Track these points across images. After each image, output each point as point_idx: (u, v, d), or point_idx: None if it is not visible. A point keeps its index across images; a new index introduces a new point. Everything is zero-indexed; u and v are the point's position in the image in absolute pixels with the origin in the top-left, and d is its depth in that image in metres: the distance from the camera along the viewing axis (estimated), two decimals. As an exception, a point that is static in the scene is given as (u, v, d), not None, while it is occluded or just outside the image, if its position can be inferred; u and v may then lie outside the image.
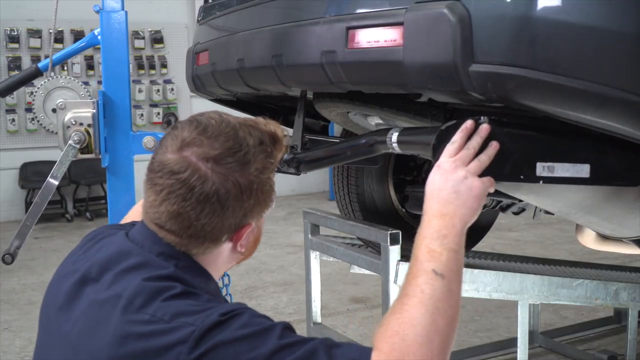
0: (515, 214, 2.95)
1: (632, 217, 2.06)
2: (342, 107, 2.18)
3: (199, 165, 1.12)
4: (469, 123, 1.37)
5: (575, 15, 1.37)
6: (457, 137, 1.35)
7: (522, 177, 1.48)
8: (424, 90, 1.58)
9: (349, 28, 1.64)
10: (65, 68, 8.06)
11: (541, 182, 1.51)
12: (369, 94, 1.93)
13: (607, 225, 2.22)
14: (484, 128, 1.38)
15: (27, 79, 3.22)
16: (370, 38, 1.58)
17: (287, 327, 1.07)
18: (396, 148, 1.74)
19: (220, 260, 1.23)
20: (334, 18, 1.72)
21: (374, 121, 2.28)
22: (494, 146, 1.37)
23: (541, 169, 1.51)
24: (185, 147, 1.13)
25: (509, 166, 1.43)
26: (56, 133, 2.76)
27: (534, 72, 1.37)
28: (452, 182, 1.27)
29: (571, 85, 1.38)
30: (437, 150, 1.40)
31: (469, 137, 1.36)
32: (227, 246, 1.21)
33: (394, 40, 1.51)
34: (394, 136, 1.73)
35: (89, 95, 2.94)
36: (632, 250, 2.58)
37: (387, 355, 1.03)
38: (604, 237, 2.60)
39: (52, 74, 3.03)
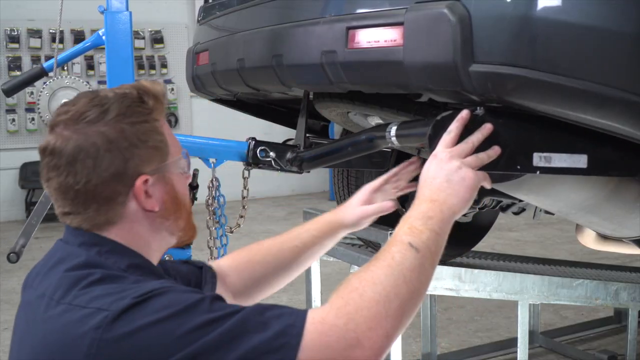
0: (515, 214, 2.95)
1: (632, 217, 2.06)
2: (342, 107, 2.18)
3: (62, 132, 1.11)
4: (464, 113, 1.39)
5: (576, 15, 1.37)
6: (454, 127, 1.37)
7: (518, 167, 1.48)
8: (424, 91, 1.57)
9: (349, 28, 1.64)
10: (66, 68, 8.06)
11: (538, 172, 1.51)
12: (369, 94, 1.93)
13: (608, 225, 2.22)
14: (487, 127, 1.39)
15: (33, 79, 3.23)
16: (371, 38, 1.58)
17: (217, 298, 1.04)
18: (395, 142, 1.73)
19: (140, 230, 1.16)
20: (334, 18, 1.72)
21: (374, 121, 2.28)
22: (495, 150, 1.38)
23: (538, 159, 1.50)
24: (52, 125, 1.14)
25: (505, 156, 1.43)
26: None
27: (534, 72, 1.37)
28: (446, 171, 1.28)
29: (571, 86, 1.38)
30: (433, 141, 1.41)
31: (465, 127, 1.38)
32: (133, 207, 1.14)
33: (394, 40, 1.51)
34: (393, 130, 1.72)
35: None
36: (632, 250, 2.58)
37: (339, 310, 1.01)
38: (604, 237, 2.60)
39: (60, 74, 3.04)
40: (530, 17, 1.36)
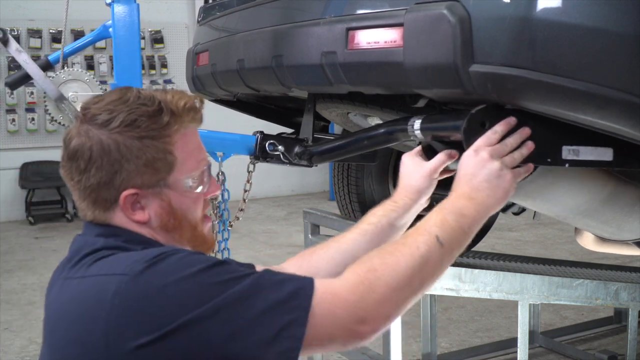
0: (515, 214, 2.95)
1: (630, 221, 2.06)
2: (342, 108, 2.18)
3: (77, 127, 1.16)
4: (512, 120, 1.40)
5: (575, 16, 1.37)
6: (500, 129, 1.38)
7: (549, 160, 1.49)
8: (425, 91, 1.58)
9: (349, 29, 1.64)
10: (66, 67, 8.05)
11: (567, 165, 1.53)
12: (370, 95, 1.93)
13: (606, 228, 2.22)
14: (525, 131, 1.41)
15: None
16: (371, 39, 1.58)
17: (227, 262, 1.07)
18: (418, 135, 1.70)
19: (148, 232, 1.17)
20: (334, 19, 1.72)
21: (374, 122, 2.28)
22: (528, 146, 1.40)
23: (567, 152, 1.52)
24: (76, 117, 1.18)
25: (536, 150, 1.44)
26: (68, 126, 2.75)
27: (533, 73, 1.37)
28: (487, 170, 1.30)
29: (571, 87, 1.38)
30: (469, 134, 1.41)
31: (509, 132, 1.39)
32: (122, 215, 1.16)
33: (394, 41, 1.52)
34: (417, 123, 1.68)
35: (99, 87, 2.91)
36: (632, 251, 2.58)
37: (352, 287, 1.05)
38: (602, 239, 2.60)
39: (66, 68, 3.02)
40: (530, 18, 1.36)
